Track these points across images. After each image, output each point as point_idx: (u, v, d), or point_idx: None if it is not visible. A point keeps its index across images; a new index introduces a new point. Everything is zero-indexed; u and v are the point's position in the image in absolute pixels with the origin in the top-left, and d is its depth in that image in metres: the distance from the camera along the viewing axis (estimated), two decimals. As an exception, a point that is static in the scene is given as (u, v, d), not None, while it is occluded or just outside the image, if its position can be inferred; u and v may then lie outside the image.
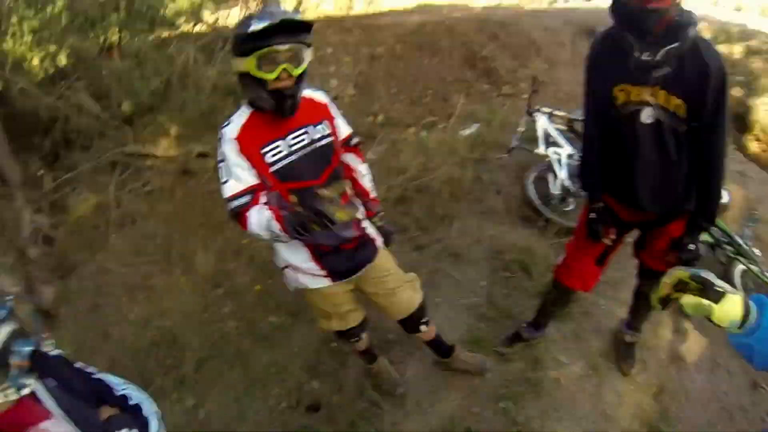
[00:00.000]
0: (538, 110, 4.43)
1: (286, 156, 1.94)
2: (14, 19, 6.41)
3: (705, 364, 3.16)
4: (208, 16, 7.88)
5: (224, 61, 5.78)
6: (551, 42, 6.17)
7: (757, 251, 3.53)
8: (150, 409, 1.34)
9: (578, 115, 4.63)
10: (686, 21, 1.83)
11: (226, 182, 1.93)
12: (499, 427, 2.77)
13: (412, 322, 2.55)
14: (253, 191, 1.93)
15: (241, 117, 1.94)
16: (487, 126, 5.11)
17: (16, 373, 0.87)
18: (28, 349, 0.90)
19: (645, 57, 1.87)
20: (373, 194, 2.40)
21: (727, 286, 1.18)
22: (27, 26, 6.57)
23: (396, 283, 2.41)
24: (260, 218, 1.90)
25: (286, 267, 2.22)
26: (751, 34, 7.02)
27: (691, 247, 2.16)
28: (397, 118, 5.59)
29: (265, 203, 1.97)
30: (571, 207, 4.04)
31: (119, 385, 1.33)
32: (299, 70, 1.82)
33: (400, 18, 7.28)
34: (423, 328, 2.61)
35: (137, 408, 1.31)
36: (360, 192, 2.35)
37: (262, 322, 3.59)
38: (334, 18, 8.02)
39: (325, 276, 2.18)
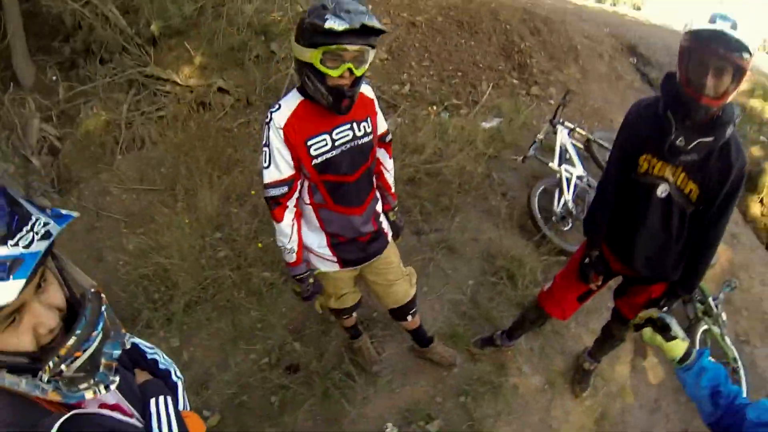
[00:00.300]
0: (562, 123, 4.41)
1: (329, 150, 1.97)
2: None
3: (648, 404, 3.38)
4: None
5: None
6: (591, 51, 6.04)
7: (724, 315, 3.72)
8: (177, 374, 1.39)
9: (598, 137, 4.67)
10: (727, 119, 1.88)
11: (267, 167, 1.98)
12: (456, 419, 2.95)
13: (401, 312, 2.69)
14: (291, 181, 2.00)
15: (291, 103, 1.94)
16: (508, 123, 5.06)
17: (105, 372, 0.92)
18: (117, 351, 0.95)
19: (679, 142, 1.92)
20: (392, 189, 2.47)
21: (680, 333, 1.64)
22: None
23: (396, 275, 2.52)
24: (284, 238, 2.11)
25: (305, 249, 2.27)
26: None
27: (665, 309, 2.29)
28: (422, 92, 5.51)
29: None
30: (568, 227, 4.09)
31: (150, 349, 1.38)
32: (362, 71, 1.82)
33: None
34: (409, 318, 2.75)
35: (167, 373, 1.36)
36: (383, 186, 2.41)
37: (256, 276, 3.64)
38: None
39: (336, 262, 2.27)
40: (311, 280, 2.26)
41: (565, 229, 4.09)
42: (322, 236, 2.19)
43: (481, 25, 6.01)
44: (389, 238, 2.42)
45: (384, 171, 2.39)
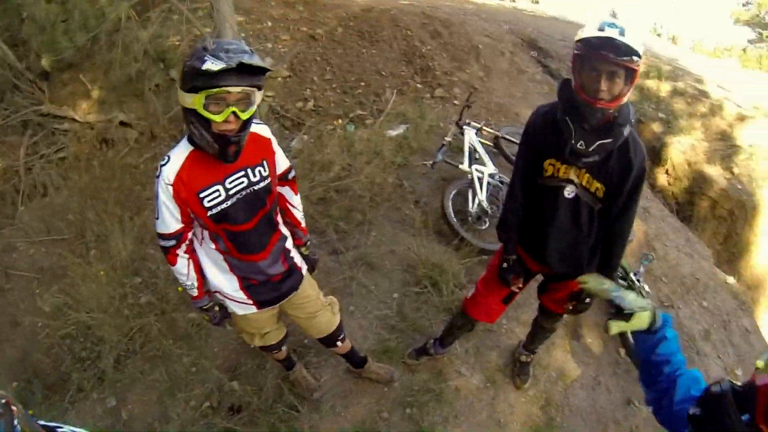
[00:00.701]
0: (468, 124, 4.55)
1: (224, 200, 1.93)
2: None
3: (588, 382, 3.57)
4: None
5: (159, 23, 5.43)
6: (491, 49, 6.26)
7: (646, 287, 4.04)
8: None
9: (505, 132, 4.86)
10: (623, 120, 1.99)
11: (157, 219, 1.95)
12: (406, 431, 3.01)
13: (328, 340, 2.72)
14: (179, 235, 1.99)
15: (180, 155, 1.87)
16: (414, 129, 5.14)
17: None
18: None
19: (579, 146, 2.01)
20: (302, 224, 2.45)
21: (634, 303, 1.66)
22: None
23: (316, 307, 2.53)
24: (182, 276, 2.12)
25: (216, 292, 2.25)
26: (680, 75, 7.53)
27: (587, 300, 2.42)
28: (326, 107, 5.52)
29: (190, 244, 2.08)
30: (485, 226, 4.15)
31: None
32: (248, 114, 1.75)
33: (346, -5, 7.11)
34: (339, 344, 2.78)
35: None
36: (291, 222, 2.40)
37: (182, 319, 3.57)
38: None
39: (252, 305, 2.27)
40: (217, 308, 2.29)
41: (483, 228, 4.16)
42: (233, 280, 2.18)
43: (381, 33, 6.09)
44: (304, 271, 2.42)
45: (291, 208, 2.37)
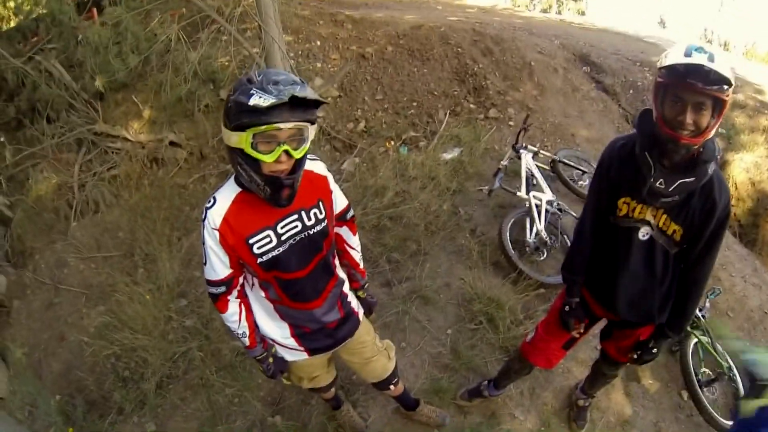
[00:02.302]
0: (525, 147, 4.35)
1: (276, 247, 1.78)
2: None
3: (648, 427, 3.30)
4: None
5: (208, 44, 5.50)
6: (544, 66, 6.03)
7: None
8: None
9: (562, 156, 4.64)
10: (708, 156, 1.79)
11: (205, 264, 1.82)
12: None
13: (383, 384, 2.57)
14: (229, 281, 1.85)
15: (227, 197, 1.73)
16: (469, 152, 4.98)
17: None
18: None
19: (659, 185, 1.82)
20: (361, 266, 2.30)
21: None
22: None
23: (372, 352, 2.39)
24: (233, 324, 1.96)
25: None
26: (739, 86, 6.98)
27: (654, 351, 2.23)
28: (378, 128, 5.42)
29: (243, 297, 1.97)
30: (544, 257, 3.95)
31: None
32: (301, 152, 1.61)
33: (394, 15, 7.03)
34: (392, 387, 2.63)
35: None
36: (349, 264, 2.25)
37: (227, 348, 3.50)
38: (327, 0, 7.73)
39: (303, 351, 2.11)
40: (271, 360, 2.10)
41: (541, 259, 3.96)
42: (285, 327, 2.03)
43: (432, 52, 5.96)
44: (360, 316, 2.27)
45: (348, 249, 2.21)
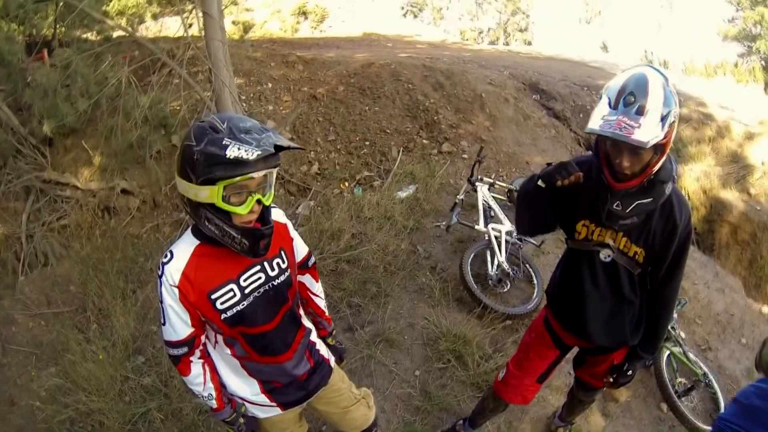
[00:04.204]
0: (480, 180, 4.43)
1: (240, 301, 1.69)
2: None
3: None
4: (149, 19, 7.45)
5: (159, 88, 5.44)
6: (495, 97, 6.21)
7: (682, 333, 3.86)
8: None
9: (518, 185, 4.73)
10: (665, 177, 1.81)
11: (163, 325, 1.71)
12: None
13: None
14: (191, 341, 1.74)
15: (185, 251, 1.64)
16: (425, 188, 5.03)
17: None
18: None
19: (616, 206, 1.85)
20: (327, 313, 2.25)
21: None
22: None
23: (349, 401, 2.28)
24: (197, 387, 1.84)
25: (232, 396, 2.02)
26: (683, 101, 7.36)
27: (629, 373, 2.24)
28: (332, 169, 5.43)
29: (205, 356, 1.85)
30: (507, 289, 3.94)
31: None
32: (270, 198, 1.57)
33: (345, 53, 7.13)
34: None
35: None
36: (314, 311, 2.20)
37: (188, 406, 3.38)
38: (279, 41, 7.78)
39: (276, 407, 2.01)
40: (242, 420, 1.98)
41: (505, 291, 3.95)
42: (254, 384, 1.92)
43: (383, 89, 6.05)
44: (332, 363, 2.18)
45: (313, 297, 2.16)
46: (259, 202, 1.53)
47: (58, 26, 6.25)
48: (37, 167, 5.50)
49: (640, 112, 1.64)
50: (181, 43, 5.53)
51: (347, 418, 2.32)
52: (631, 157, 1.72)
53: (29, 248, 5.00)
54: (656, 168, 1.75)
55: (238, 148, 1.39)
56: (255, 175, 1.45)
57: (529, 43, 11.05)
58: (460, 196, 4.44)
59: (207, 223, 1.54)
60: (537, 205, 2.07)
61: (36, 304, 4.54)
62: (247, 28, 6.37)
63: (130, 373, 3.68)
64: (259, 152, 1.39)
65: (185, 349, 1.75)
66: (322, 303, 2.22)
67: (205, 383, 1.83)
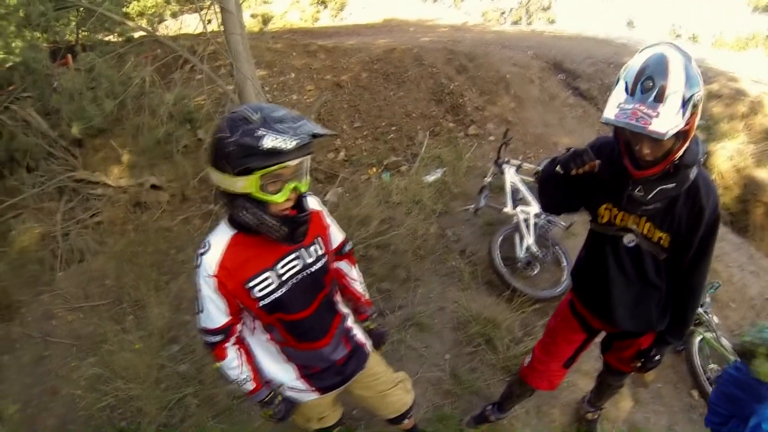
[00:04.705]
0: (507, 162, 4.36)
1: (277, 288, 1.69)
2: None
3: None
4: (169, 18, 7.55)
5: (182, 85, 5.51)
6: (520, 78, 6.09)
7: (715, 318, 3.70)
8: None
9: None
10: (689, 160, 1.71)
11: (200, 313, 1.73)
12: None
13: (399, 418, 2.49)
14: (227, 329, 1.75)
15: (221, 241, 1.64)
16: (452, 171, 4.98)
17: None
18: None
19: (638, 192, 1.76)
20: (365, 297, 2.23)
21: None
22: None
23: (386, 385, 2.29)
24: (233, 371, 1.84)
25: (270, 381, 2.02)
26: (713, 76, 7.12)
27: (657, 358, 2.17)
28: (359, 155, 5.43)
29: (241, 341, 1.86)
30: (536, 272, 3.90)
31: None
32: (306, 185, 1.58)
33: (366, 40, 7.09)
34: (406, 421, 2.56)
35: None
36: (353, 297, 2.19)
37: (222, 392, 3.43)
38: (299, 31, 7.79)
39: (314, 391, 2.02)
40: (279, 399, 1.98)
41: (534, 274, 3.90)
42: (291, 370, 1.93)
43: (407, 74, 6.00)
44: (368, 348, 2.17)
45: (350, 282, 2.16)
46: (295, 189, 1.54)
47: (80, 31, 6.41)
48: (68, 168, 5.65)
49: (659, 98, 1.53)
50: (201, 40, 5.61)
51: (385, 402, 2.33)
52: (652, 145, 1.63)
53: (65, 246, 5.13)
54: (679, 154, 1.66)
55: (275, 138, 1.38)
56: (291, 163, 1.45)
57: (553, 22, 10.78)
58: (488, 179, 4.38)
59: (244, 213, 1.54)
60: (558, 189, 2.02)
61: (74, 299, 4.65)
62: (266, 20, 6.40)
63: (166, 362, 3.77)
64: (297, 141, 1.39)
65: (221, 337, 1.76)
66: (360, 288, 2.21)
67: (240, 366, 1.83)
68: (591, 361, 3.42)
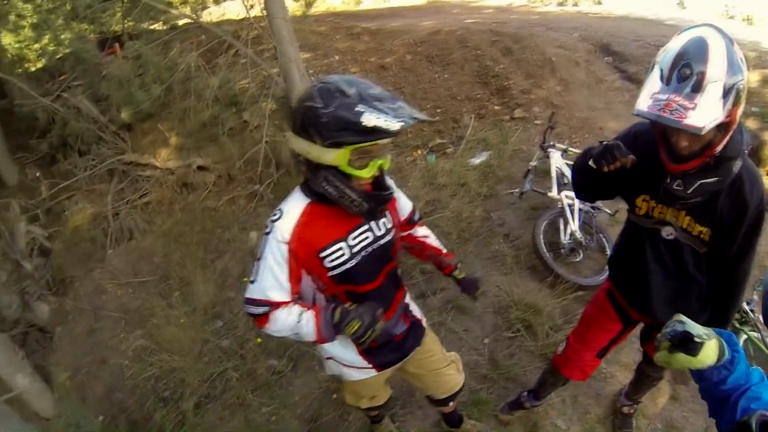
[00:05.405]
0: (553, 146, 4.24)
1: (349, 260, 1.65)
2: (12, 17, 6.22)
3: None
4: (212, 4, 7.69)
5: (227, 69, 5.61)
6: (566, 60, 5.91)
7: (761, 317, 3.45)
8: None
9: (592, 152, 4.49)
10: (732, 152, 1.56)
11: (253, 282, 1.63)
12: None
13: (447, 399, 2.44)
14: (276, 304, 1.64)
15: (295, 209, 1.59)
16: (497, 155, 4.90)
17: None
18: None
19: (676, 187, 1.63)
20: (444, 249, 2.16)
21: (703, 331, 1.28)
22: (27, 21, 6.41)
23: (440, 363, 2.25)
24: (289, 330, 1.67)
25: (330, 358, 1.99)
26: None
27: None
28: (404, 137, 5.39)
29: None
30: (580, 258, 3.77)
31: None
32: (389, 163, 1.57)
33: (410, 22, 7.03)
34: (451, 403, 2.52)
35: None
36: (433, 252, 2.12)
37: (261, 367, 3.50)
38: (342, 14, 7.80)
39: (372, 368, 1.98)
40: (348, 304, 1.68)
41: (577, 260, 3.76)
42: (351, 345, 1.86)
43: (451, 56, 5.92)
44: (425, 324, 2.12)
45: (425, 240, 2.10)
46: (380, 166, 1.52)
47: (125, 21, 6.61)
48: (118, 151, 5.86)
49: (698, 88, 1.39)
50: (244, 24, 5.67)
51: (438, 381, 2.28)
52: (689, 137, 1.49)
53: (116, 225, 5.33)
54: (720, 147, 1.52)
55: (377, 117, 1.36)
56: (383, 141, 1.43)
57: (599, 2, 10.38)
58: (533, 163, 4.27)
59: (325, 184, 1.50)
60: (592, 181, 1.87)
61: (123, 275, 4.84)
62: (309, 3, 6.42)
63: (210, 336, 3.87)
64: (402, 123, 1.37)
65: (265, 309, 1.65)
66: (436, 242, 2.14)
67: (298, 320, 1.67)
68: (631, 353, 3.28)
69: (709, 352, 1.26)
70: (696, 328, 1.28)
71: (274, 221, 1.59)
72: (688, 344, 1.26)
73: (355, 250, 1.67)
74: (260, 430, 3.19)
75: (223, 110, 5.43)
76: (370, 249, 1.70)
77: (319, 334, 1.65)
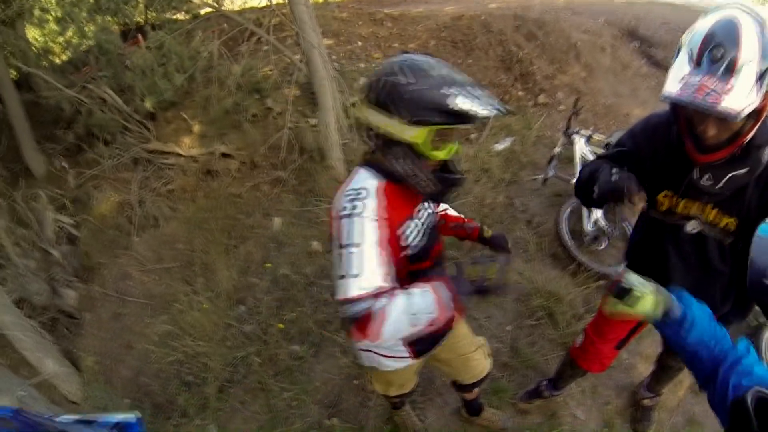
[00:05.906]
0: (577, 132, 4.16)
1: (421, 237, 1.65)
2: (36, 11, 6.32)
3: (720, 429, 3.02)
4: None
5: (249, 56, 5.61)
6: (591, 46, 5.78)
7: None
8: None
9: (616, 139, 4.39)
10: (761, 141, 1.47)
11: (356, 276, 1.40)
12: None
13: (473, 385, 2.43)
14: (378, 291, 1.42)
15: (376, 188, 1.49)
16: (521, 141, 4.84)
17: None
18: None
19: (704, 182, 1.57)
20: (465, 218, 2.15)
21: (645, 286, 1.39)
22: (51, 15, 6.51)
23: (469, 347, 2.24)
24: (401, 304, 1.41)
25: (366, 350, 1.95)
26: None
27: None
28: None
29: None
30: (603, 247, 3.76)
31: None
32: (456, 147, 1.57)
33: (434, 8, 6.95)
34: (476, 389, 2.52)
35: None
36: (457, 222, 2.09)
37: (283, 353, 3.52)
38: (364, 0, 7.73)
39: (409, 356, 1.95)
40: (456, 266, 1.54)
41: (600, 248, 3.76)
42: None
43: (475, 41, 5.83)
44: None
45: (446, 212, 2.09)
46: (454, 150, 1.53)
47: (148, 12, 6.67)
48: (142, 140, 5.93)
49: (731, 70, 1.31)
50: (266, 12, 5.65)
51: (466, 366, 2.27)
52: (719, 124, 1.42)
53: (140, 212, 5.40)
54: (750, 135, 1.45)
55: (470, 102, 1.35)
56: (464, 126, 1.43)
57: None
58: (557, 149, 4.20)
59: (396, 161, 1.47)
60: (594, 202, 1.79)
61: (148, 261, 4.90)
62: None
63: (233, 321, 3.91)
64: (494, 111, 1.36)
65: (371, 302, 1.41)
66: (454, 212, 2.14)
67: (397, 295, 1.44)
68: (653, 344, 3.21)
69: (646, 303, 1.38)
70: (635, 283, 1.40)
71: (362, 199, 1.46)
72: (626, 296, 1.39)
73: (420, 228, 1.67)
74: (281, 415, 3.23)
75: (245, 97, 5.46)
76: (430, 225, 1.72)
77: (444, 301, 1.43)
